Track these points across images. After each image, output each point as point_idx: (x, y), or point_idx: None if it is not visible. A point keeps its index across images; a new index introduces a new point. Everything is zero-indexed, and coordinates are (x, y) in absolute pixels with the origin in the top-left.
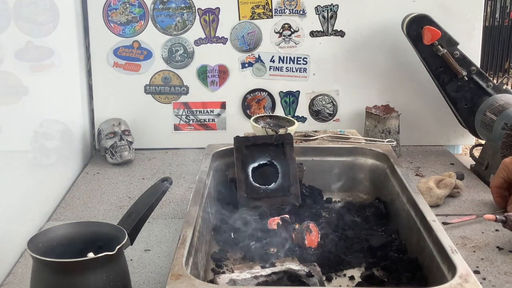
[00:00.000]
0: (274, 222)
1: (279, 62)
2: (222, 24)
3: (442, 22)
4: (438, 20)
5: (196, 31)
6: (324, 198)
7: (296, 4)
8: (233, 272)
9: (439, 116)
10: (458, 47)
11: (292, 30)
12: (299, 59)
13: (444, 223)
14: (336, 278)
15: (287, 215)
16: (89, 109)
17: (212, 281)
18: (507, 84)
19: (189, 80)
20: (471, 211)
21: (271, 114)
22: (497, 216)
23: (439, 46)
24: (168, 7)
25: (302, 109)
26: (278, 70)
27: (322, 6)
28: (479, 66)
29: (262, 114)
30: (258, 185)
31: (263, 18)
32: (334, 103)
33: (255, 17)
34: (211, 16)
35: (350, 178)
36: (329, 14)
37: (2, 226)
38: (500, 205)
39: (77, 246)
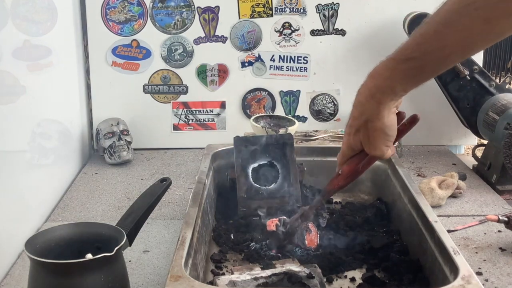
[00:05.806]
0: (272, 224)
1: (279, 61)
2: (222, 22)
3: None
4: None
5: (196, 30)
6: None
7: (297, 3)
8: (232, 273)
9: (441, 115)
10: None
11: (293, 29)
12: (299, 58)
13: (449, 231)
14: (337, 279)
15: (285, 217)
16: (87, 108)
17: (212, 283)
18: (509, 84)
19: (188, 79)
20: (473, 211)
21: (271, 113)
22: (500, 217)
23: None
24: (167, 6)
25: (303, 109)
26: (279, 69)
27: (322, 4)
28: (481, 65)
29: (262, 114)
30: (258, 186)
31: (263, 17)
32: (335, 102)
33: (255, 16)
34: (210, 15)
35: None
36: (330, 13)
37: None
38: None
39: (75, 247)
